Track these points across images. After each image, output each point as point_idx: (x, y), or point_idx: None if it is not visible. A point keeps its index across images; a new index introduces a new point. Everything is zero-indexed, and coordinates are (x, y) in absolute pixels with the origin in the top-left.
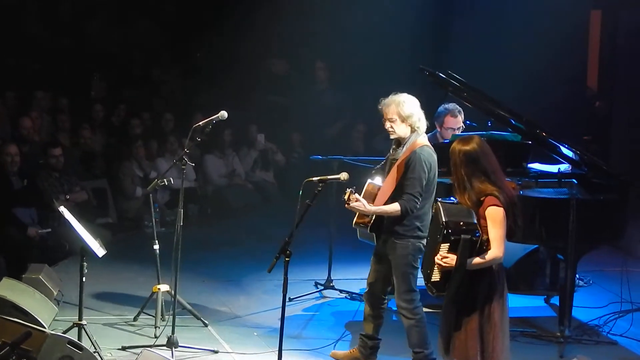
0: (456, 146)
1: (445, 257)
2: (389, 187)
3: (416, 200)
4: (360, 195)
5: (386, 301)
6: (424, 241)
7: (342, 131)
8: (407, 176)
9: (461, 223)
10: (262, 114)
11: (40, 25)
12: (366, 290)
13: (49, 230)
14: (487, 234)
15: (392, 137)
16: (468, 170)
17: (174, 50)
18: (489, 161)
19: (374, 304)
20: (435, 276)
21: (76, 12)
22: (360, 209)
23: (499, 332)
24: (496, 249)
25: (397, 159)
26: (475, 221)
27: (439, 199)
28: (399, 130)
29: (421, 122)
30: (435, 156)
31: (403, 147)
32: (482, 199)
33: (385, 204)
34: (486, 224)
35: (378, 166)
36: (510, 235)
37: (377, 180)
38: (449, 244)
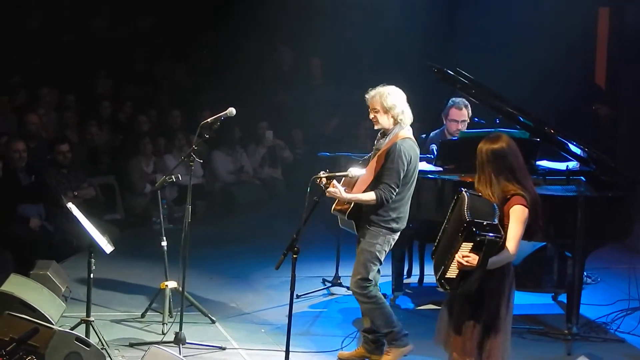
0: (484, 145)
1: (467, 256)
2: (369, 176)
3: (392, 190)
4: (339, 182)
5: (376, 287)
6: (396, 235)
7: (338, 127)
8: (386, 166)
9: (485, 223)
10: (270, 110)
11: (44, 21)
12: None
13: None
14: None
15: (375, 127)
16: (495, 168)
17: (179, 46)
18: (517, 159)
19: (366, 295)
20: (451, 273)
21: (79, 9)
22: (337, 195)
23: (501, 328)
24: (513, 247)
25: (379, 150)
26: (497, 219)
27: (464, 189)
28: (382, 121)
29: (405, 115)
30: (417, 149)
31: (386, 138)
32: (508, 197)
33: (363, 191)
34: (508, 222)
35: (366, 157)
36: (531, 235)
37: (360, 168)
38: (472, 244)
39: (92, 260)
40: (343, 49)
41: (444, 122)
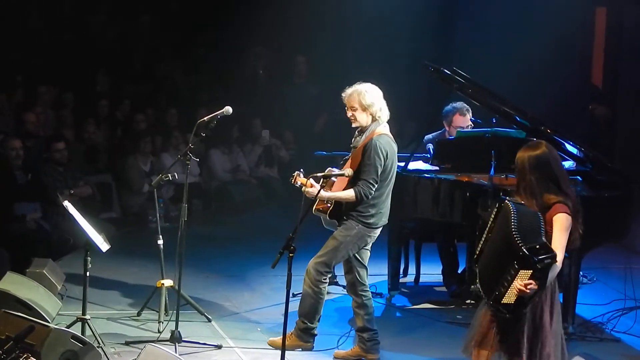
0: (525, 152)
1: (529, 283)
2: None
3: (371, 186)
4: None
5: (368, 288)
6: (374, 233)
7: (327, 124)
8: (364, 163)
9: (538, 247)
10: (265, 110)
11: (43, 19)
12: (346, 283)
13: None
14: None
15: (353, 125)
16: (538, 176)
17: (177, 45)
18: (558, 165)
19: (356, 293)
20: (509, 299)
21: (79, 7)
22: (315, 194)
23: (547, 335)
24: (560, 258)
25: (356, 147)
26: (544, 236)
27: (507, 199)
28: (360, 118)
29: (382, 112)
30: (394, 145)
31: (363, 135)
32: (550, 204)
33: (343, 190)
34: (551, 230)
35: (347, 157)
36: (572, 242)
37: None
38: (531, 271)
39: (89, 258)
40: (333, 48)
41: (446, 128)
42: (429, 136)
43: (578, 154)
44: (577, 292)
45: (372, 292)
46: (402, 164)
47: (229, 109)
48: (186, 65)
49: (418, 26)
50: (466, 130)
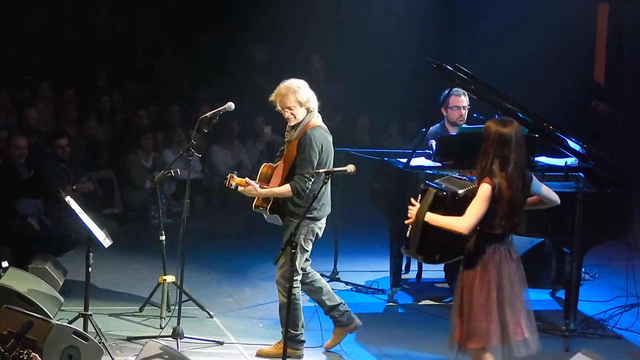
0: (493, 125)
1: (414, 205)
2: (283, 168)
3: (306, 180)
4: (256, 178)
5: (311, 271)
6: (320, 223)
7: (342, 123)
8: (299, 157)
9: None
10: (268, 105)
11: (43, 16)
12: None
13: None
14: None
15: (292, 124)
16: (495, 151)
17: (179, 42)
18: (517, 151)
19: (303, 282)
20: (409, 232)
21: (81, 4)
22: (252, 192)
23: (476, 310)
24: (463, 220)
25: (291, 141)
26: (462, 191)
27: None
28: (300, 115)
29: (314, 103)
30: (329, 137)
31: (297, 129)
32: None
33: (279, 184)
34: None
35: (282, 147)
36: (490, 226)
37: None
38: (420, 196)
39: (91, 254)
40: (343, 45)
41: (444, 114)
42: (431, 129)
43: (580, 151)
44: (579, 289)
45: (374, 289)
46: (405, 160)
47: (231, 105)
48: (188, 62)
49: (421, 24)
50: (469, 126)
